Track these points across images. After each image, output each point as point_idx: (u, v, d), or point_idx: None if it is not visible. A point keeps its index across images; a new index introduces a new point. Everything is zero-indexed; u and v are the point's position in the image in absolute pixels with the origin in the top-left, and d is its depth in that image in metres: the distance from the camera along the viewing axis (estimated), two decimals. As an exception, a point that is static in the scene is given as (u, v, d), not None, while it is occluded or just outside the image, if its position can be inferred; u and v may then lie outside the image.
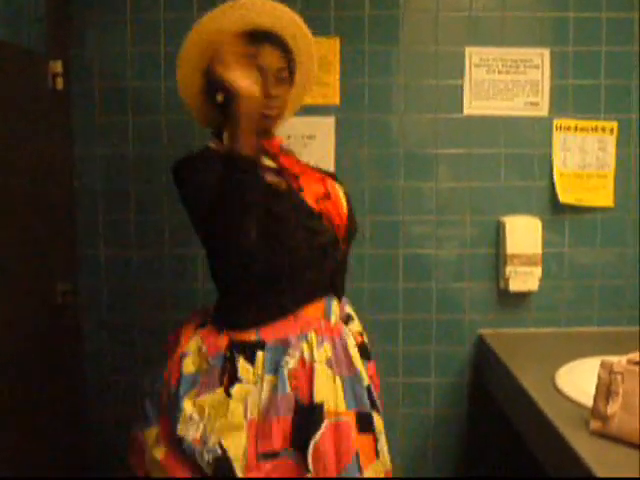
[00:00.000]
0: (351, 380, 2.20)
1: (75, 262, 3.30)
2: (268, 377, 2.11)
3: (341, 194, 2.32)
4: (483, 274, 3.34)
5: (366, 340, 2.42)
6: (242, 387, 2.11)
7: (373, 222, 3.25)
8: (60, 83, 3.04)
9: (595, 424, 2.10)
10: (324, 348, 2.18)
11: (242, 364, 2.13)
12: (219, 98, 2.18)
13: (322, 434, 2.08)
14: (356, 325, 2.41)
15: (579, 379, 2.50)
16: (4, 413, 2.60)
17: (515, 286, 3.25)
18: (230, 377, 2.13)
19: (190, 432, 2.08)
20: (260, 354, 2.13)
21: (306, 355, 2.15)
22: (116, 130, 3.26)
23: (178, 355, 2.22)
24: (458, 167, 3.28)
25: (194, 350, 2.21)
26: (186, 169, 2.24)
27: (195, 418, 2.09)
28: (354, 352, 2.24)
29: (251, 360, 2.13)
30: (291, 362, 2.13)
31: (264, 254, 2.07)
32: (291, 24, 2.28)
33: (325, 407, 2.11)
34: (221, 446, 2.05)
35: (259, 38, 2.18)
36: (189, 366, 2.18)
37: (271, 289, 2.19)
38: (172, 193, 3.21)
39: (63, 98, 3.14)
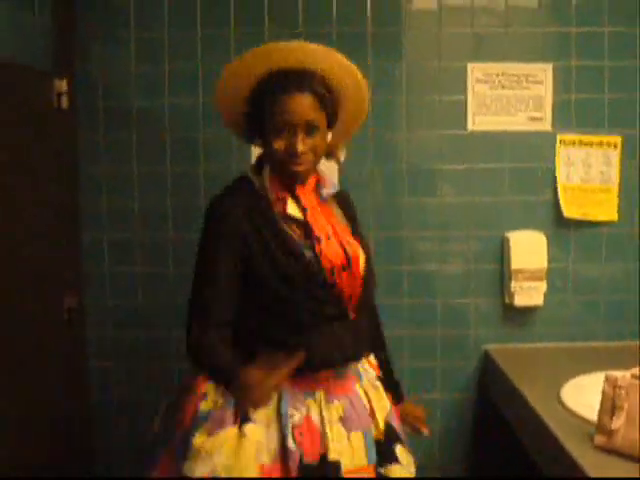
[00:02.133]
0: (370, 433, 2.20)
1: (81, 279, 3.30)
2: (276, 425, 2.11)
3: (361, 260, 2.24)
4: (488, 289, 3.33)
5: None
6: (255, 427, 2.09)
7: (377, 238, 3.24)
8: (65, 102, 3.06)
9: (600, 439, 2.09)
10: (335, 406, 2.16)
11: None
12: (257, 142, 2.24)
13: None
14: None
15: (584, 394, 2.49)
16: (9, 429, 2.60)
17: (520, 301, 3.24)
18: (243, 417, 2.11)
19: (198, 468, 2.06)
20: (275, 397, 2.13)
21: (313, 414, 2.14)
22: (120, 148, 3.27)
23: (198, 394, 2.18)
24: (462, 183, 3.28)
25: (212, 388, 2.17)
26: (212, 219, 2.25)
27: (205, 454, 2.06)
28: (372, 403, 2.26)
29: None
30: (296, 416, 2.12)
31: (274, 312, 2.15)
32: (326, 60, 2.17)
33: (342, 466, 2.09)
34: None
35: (286, 88, 2.10)
36: (206, 404, 2.15)
37: (282, 344, 2.14)
38: (177, 210, 3.25)
39: (68, 116, 3.15)
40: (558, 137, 3.25)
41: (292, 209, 2.19)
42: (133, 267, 3.32)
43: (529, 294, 3.23)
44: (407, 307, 3.32)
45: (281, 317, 2.15)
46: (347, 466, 2.10)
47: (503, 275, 3.30)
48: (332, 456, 2.08)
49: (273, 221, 2.16)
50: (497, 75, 3.22)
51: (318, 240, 2.16)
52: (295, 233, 2.17)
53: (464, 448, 3.38)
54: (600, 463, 2.02)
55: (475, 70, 3.22)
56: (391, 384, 2.47)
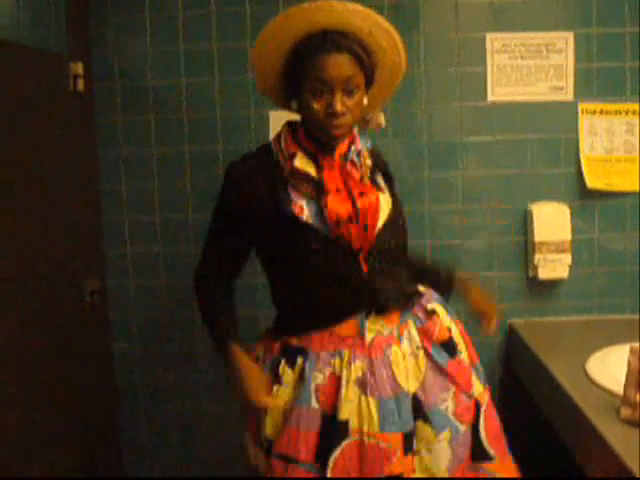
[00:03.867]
0: (395, 402, 2.15)
1: (102, 261, 3.31)
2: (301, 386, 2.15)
3: (380, 213, 2.22)
4: (512, 263, 3.30)
5: (455, 333, 2.40)
6: (283, 389, 2.17)
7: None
8: (81, 85, 3.06)
9: (625, 411, 2.06)
10: (355, 366, 2.14)
11: (283, 366, 2.18)
12: (294, 106, 2.20)
13: (342, 450, 2.08)
14: (443, 320, 2.38)
15: (610, 367, 2.47)
16: (34, 412, 2.62)
17: (545, 274, 3.21)
18: (273, 378, 2.19)
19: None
20: (300, 359, 2.16)
21: (337, 372, 2.15)
22: (138, 129, 3.28)
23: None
24: (483, 155, 3.25)
25: (260, 356, 2.28)
26: (227, 183, 2.28)
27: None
28: (400, 370, 2.20)
29: (292, 364, 2.17)
30: (319, 377, 2.14)
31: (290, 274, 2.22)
32: (365, 20, 2.13)
33: (350, 425, 2.10)
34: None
35: (325, 47, 2.07)
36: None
37: (307, 304, 2.21)
38: (196, 191, 3.24)
39: (85, 99, 3.15)
40: (580, 106, 3.20)
41: (302, 163, 2.18)
42: (154, 248, 3.32)
43: (553, 267, 3.20)
44: (430, 282, 3.29)
45: (295, 277, 2.21)
46: (355, 426, 2.11)
47: (527, 248, 3.26)
48: (341, 416, 2.10)
49: (273, 181, 2.18)
50: (516, 45, 3.18)
51: (325, 194, 2.14)
52: (302, 188, 2.17)
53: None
54: (625, 436, 2.00)
55: (494, 41, 3.18)
56: (431, 275, 2.58)
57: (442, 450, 2.20)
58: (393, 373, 2.17)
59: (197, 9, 3.20)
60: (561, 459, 2.70)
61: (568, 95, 3.21)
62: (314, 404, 2.12)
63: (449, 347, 2.32)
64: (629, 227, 3.27)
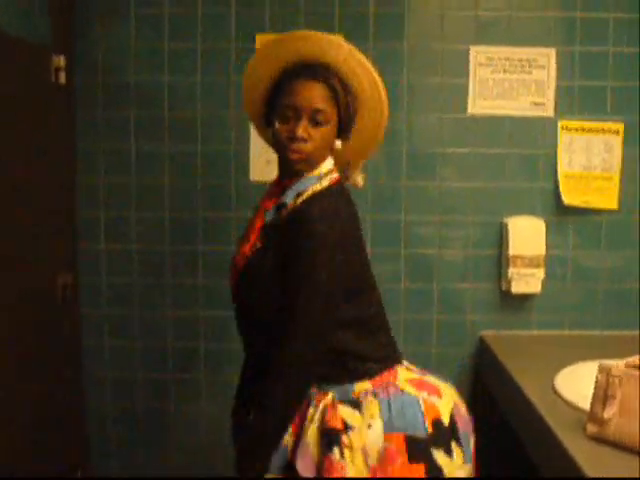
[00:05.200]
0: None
1: (75, 256, 3.29)
2: None
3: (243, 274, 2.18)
4: (486, 275, 3.31)
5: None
6: None
7: (375, 221, 3.23)
8: (63, 77, 3.04)
9: (592, 428, 2.07)
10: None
11: None
12: (269, 135, 2.17)
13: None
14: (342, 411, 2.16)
15: (578, 383, 2.48)
16: (3, 407, 2.59)
17: (518, 288, 3.23)
18: None
19: None
20: None
21: None
22: (119, 125, 3.26)
23: None
24: (462, 167, 3.26)
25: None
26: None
27: None
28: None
29: None
30: None
31: None
32: (351, 60, 2.09)
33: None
34: None
35: (301, 75, 2.06)
36: None
37: None
38: (173, 189, 3.23)
39: (66, 92, 3.13)
40: (560, 123, 3.22)
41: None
42: (129, 245, 3.30)
43: (526, 281, 3.21)
44: (404, 291, 3.30)
45: None
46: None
47: (501, 261, 3.28)
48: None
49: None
50: (500, 59, 3.19)
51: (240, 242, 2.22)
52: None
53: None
54: (591, 452, 2.01)
55: (478, 53, 3.19)
56: None
57: None
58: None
59: (183, 8, 3.19)
60: (527, 472, 2.71)
61: (548, 111, 3.22)
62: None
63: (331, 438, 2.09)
64: (604, 244, 3.29)
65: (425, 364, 2.99)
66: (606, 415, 2.03)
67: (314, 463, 2.06)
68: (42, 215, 2.93)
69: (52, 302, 3.04)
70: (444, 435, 2.11)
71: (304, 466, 2.05)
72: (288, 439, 2.11)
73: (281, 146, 2.08)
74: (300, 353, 2.01)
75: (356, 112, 2.15)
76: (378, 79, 2.13)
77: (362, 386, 2.11)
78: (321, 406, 2.11)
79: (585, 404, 2.18)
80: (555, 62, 3.19)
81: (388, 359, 2.19)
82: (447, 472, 2.08)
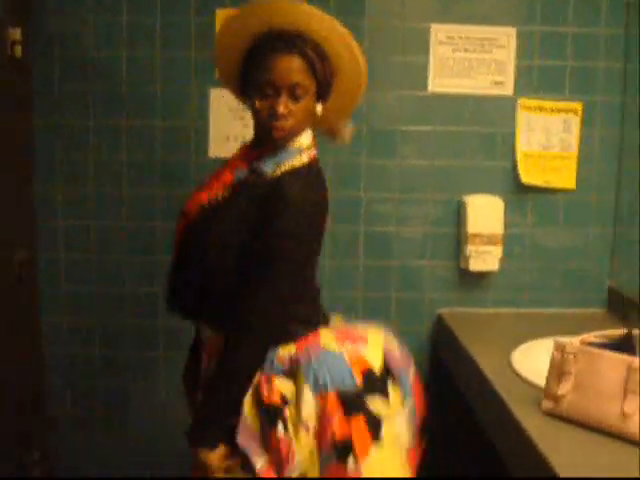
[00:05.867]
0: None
1: (33, 233, 3.25)
2: None
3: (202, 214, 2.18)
4: (444, 253, 3.33)
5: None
6: None
7: (334, 198, 3.17)
8: (19, 51, 2.98)
9: (547, 404, 2.10)
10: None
11: None
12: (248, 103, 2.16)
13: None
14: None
15: (534, 359, 2.50)
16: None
17: (476, 266, 3.25)
18: None
19: None
20: None
21: None
22: (76, 100, 3.21)
23: None
24: (422, 145, 3.26)
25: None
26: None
27: None
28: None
29: None
30: None
31: None
32: (322, 25, 2.07)
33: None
34: None
35: (276, 48, 2.04)
36: None
37: None
38: (132, 165, 3.21)
39: (22, 66, 3.08)
40: (519, 102, 3.24)
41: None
42: (86, 221, 3.27)
43: (484, 259, 3.23)
44: (363, 268, 3.31)
45: None
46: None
47: (459, 239, 3.29)
48: None
49: None
50: (460, 38, 3.19)
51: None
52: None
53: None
54: (545, 428, 2.03)
55: (438, 32, 3.19)
56: None
57: None
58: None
59: (142, -19, 3.15)
60: (485, 450, 2.74)
61: (508, 90, 3.24)
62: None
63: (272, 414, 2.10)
64: (561, 223, 3.32)
65: (383, 341, 3.01)
66: (561, 391, 2.05)
67: (255, 436, 2.08)
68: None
69: (9, 279, 3.01)
70: (377, 381, 2.15)
71: (245, 439, 2.07)
72: None
73: (262, 122, 2.08)
74: (265, 319, 2.04)
75: (333, 77, 2.15)
76: (352, 42, 2.13)
77: (286, 349, 2.12)
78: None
79: (541, 380, 2.21)
80: (515, 41, 3.20)
81: (313, 323, 2.21)
82: (385, 415, 2.12)
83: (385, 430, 2.12)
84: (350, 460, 2.04)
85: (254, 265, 2.04)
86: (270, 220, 2.02)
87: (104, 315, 3.35)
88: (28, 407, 3.22)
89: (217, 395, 2.06)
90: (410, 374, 2.30)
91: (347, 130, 2.34)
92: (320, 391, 2.07)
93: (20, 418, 3.13)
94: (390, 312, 3.32)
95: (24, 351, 3.18)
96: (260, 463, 2.07)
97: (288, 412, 2.07)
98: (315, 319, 2.23)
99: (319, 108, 2.16)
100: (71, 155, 3.25)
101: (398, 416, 2.18)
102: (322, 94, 2.14)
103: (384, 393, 2.15)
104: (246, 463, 2.07)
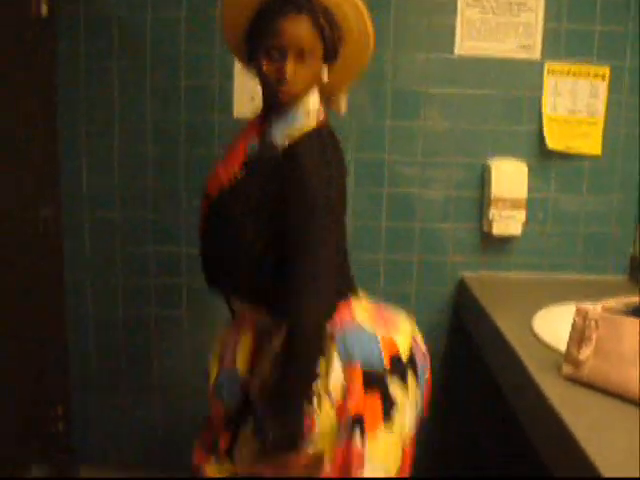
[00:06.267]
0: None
1: (57, 189, 3.27)
2: None
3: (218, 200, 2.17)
4: (467, 217, 3.32)
5: None
6: None
7: (358, 160, 3.22)
8: (44, 9, 2.98)
9: (567, 369, 2.10)
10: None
11: None
12: (253, 69, 2.13)
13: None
14: None
15: (556, 324, 2.49)
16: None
17: (498, 230, 3.24)
18: None
19: None
20: None
21: None
22: (100, 58, 3.20)
23: None
24: (447, 108, 3.24)
25: None
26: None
27: None
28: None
29: None
30: None
31: None
32: None
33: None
34: None
35: (284, 10, 2.01)
36: None
37: None
38: (157, 123, 3.21)
39: (48, 25, 3.07)
40: (546, 66, 3.21)
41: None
42: (112, 180, 3.29)
43: (507, 223, 3.22)
44: (385, 230, 3.31)
45: None
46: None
47: (483, 203, 3.29)
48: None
49: None
50: (488, 0, 3.16)
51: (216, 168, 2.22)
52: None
53: (435, 371, 3.41)
54: (565, 393, 2.04)
55: (466, -7, 3.17)
56: None
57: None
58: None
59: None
60: (503, 412, 2.75)
61: (535, 54, 3.21)
62: None
63: None
64: (585, 189, 3.31)
65: (404, 304, 3.05)
66: (581, 356, 2.06)
67: None
68: (24, 148, 2.91)
69: (34, 236, 3.03)
70: (401, 367, 2.17)
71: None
72: (242, 368, 2.20)
73: (269, 86, 2.06)
74: (323, 291, 2.02)
75: (341, 40, 2.12)
76: (362, 7, 2.09)
77: None
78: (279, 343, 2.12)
79: (561, 345, 2.21)
80: (543, 4, 3.17)
81: (344, 292, 2.21)
82: (400, 400, 2.15)
83: (396, 415, 2.14)
84: (357, 433, 2.07)
85: (293, 246, 2.02)
86: (293, 196, 2.00)
87: (127, 273, 3.38)
88: (52, 364, 3.26)
89: (289, 382, 2.04)
90: (427, 370, 2.33)
91: (344, 100, 2.31)
92: (349, 361, 2.09)
93: (44, 374, 3.17)
94: (412, 275, 3.33)
95: (48, 308, 3.22)
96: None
97: (315, 386, 2.07)
98: (345, 288, 2.23)
99: (325, 74, 2.13)
100: (95, 114, 3.25)
101: (409, 406, 2.20)
102: (329, 57, 2.11)
103: (404, 379, 2.17)
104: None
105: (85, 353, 3.45)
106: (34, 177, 3.02)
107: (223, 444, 2.22)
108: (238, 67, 3.03)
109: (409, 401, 2.19)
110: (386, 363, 2.13)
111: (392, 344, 2.17)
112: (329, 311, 2.08)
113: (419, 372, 2.24)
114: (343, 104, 2.30)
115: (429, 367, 2.35)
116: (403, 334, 2.23)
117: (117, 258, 3.36)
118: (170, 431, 3.50)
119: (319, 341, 2.04)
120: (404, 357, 2.19)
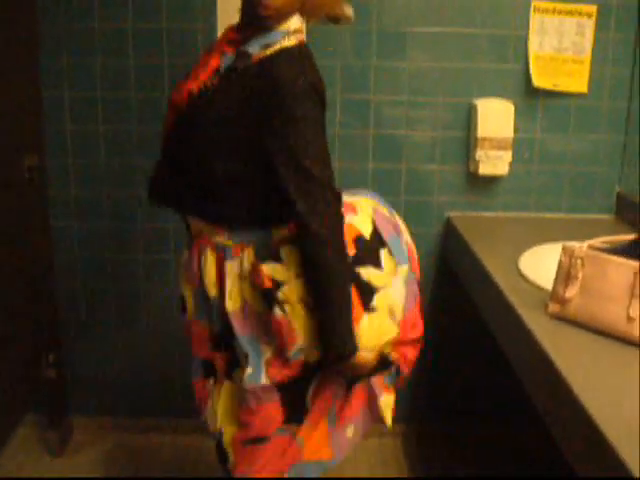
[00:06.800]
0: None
1: (41, 137, 3.24)
2: None
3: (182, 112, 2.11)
4: (454, 157, 3.31)
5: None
6: None
7: (343, 100, 3.20)
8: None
9: (553, 307, 2.12)
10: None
11: None
12: None
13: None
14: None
15: (542, 263, 2.51)
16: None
17: (485, 170, 3.23)
18: None
19: None
20: None
21: None
22: (83, 3, 3.15)
23: None
24: (432, 47, 3.21)
25: None
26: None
27: None
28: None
29: None
30: None
31: None
32: None
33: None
34: None
35: None
36: None
37: None
38: (139, 67, 3.17)
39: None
40: (533, 3, 3.17)
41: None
42: (95, 126, 3.26)
43: (494, 163, 3.22)
44: (372, 171, 3.30)
45: None
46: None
47: (469, 143, 3.28)
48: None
49: None
50: (474, -64, 3.13)
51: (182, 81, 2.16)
52: None
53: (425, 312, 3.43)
54: (551, 330, 2.06)
55: None
56: None
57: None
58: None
59: None
60: (491, 351, 2.77)
61: (521, -9, 3.18)
62: None
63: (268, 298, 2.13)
64: (572, 128, 3.30)
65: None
66: (567, 295, 2.07)
67: (260, 324, 2.15)
68: (6, 97, 2.88)
69: (18, 183, 3.02)
70: (368, 250, 2.18)
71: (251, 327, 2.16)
72: (212, 290, 2.20)
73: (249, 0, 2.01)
74: (333, 209, 2.02)
75: None
76: None
77: (279, 233, 2.12)
78: (245, 263, 2.13)
79: (547, 284, 2.22)
80: (530, -60, 3.14)
81: None
82: (377, 283, 2.16)
83: (378, 300, 2.16)
84: None
85: (281, 159, 1.98)
86: (270, 110, 1.96)
87: (114, 218, 3.37)
88: (41, 311, 3.26)
89: (332, 303, 2.04)
90: (403, 240, 2.34)
91: (349, 8, 2.25)
92: None
93: (34, 322, 3.17)
94: (399, 215, 3.32)
95: (34, 255, 3.21)
96: (267, 354, 2.13)
97: (282, 294, 2.08)
98: None
99: None
100: (77, 59, 3.20)
101: (392, 286, 2.21)
102: None
103: (377, 263, 2.18)
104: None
105: (73, 300, 3.45)
106: (17, 124, 2.99)
107: (221, 364, 2.25)
108: (221, 8, 2.99)
109: (392, 278, 2.21)
110: (351, 252, 2.12)
111: (351, 228, 2.16)
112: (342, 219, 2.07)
113: (393, 246, 2.25)
114: (350, 12, 2.23)
115: (405, 233, 2.41)
116: (361, 214, 2.23)
117: (104, 203, 3.34)
118: (160, 371, 3.55)
119: (345, 249, 2.06)
120: (367, 235, 2.19)
